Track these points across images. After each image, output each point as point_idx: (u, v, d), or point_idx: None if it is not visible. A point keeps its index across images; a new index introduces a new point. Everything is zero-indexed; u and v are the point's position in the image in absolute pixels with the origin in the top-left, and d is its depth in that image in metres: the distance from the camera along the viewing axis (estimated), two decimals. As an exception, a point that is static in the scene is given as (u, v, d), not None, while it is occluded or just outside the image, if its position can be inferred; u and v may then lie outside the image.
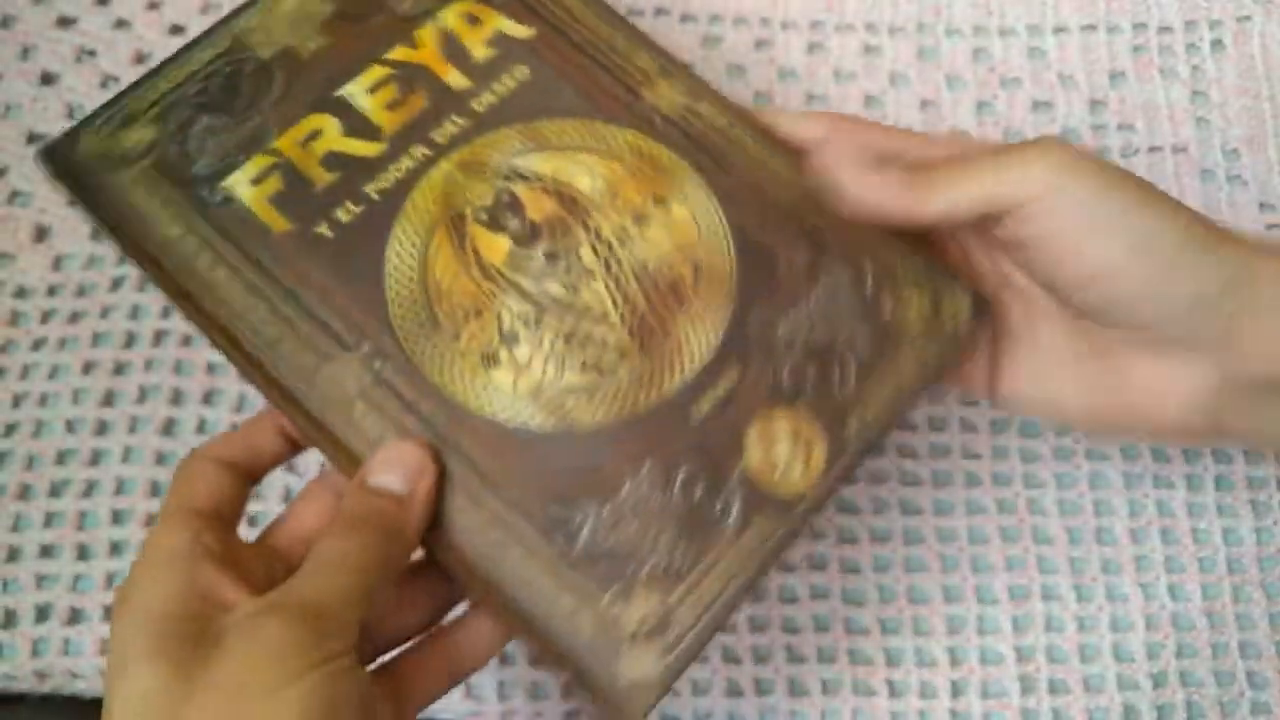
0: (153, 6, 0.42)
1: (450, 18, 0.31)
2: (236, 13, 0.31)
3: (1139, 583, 0.36)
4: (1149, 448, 0.37)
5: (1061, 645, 0.35)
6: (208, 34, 0.31)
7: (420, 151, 0.29)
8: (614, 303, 0.28)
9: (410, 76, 0.30)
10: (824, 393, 0.28)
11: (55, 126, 0.40)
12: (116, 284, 0.39)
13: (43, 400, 0.37)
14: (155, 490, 0.36)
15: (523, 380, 0.27)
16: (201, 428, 0.37)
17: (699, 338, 0.28)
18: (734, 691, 0.35)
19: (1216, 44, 0.42)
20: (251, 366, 0.27)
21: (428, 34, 0.31)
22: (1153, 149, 0.41)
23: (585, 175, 0.30)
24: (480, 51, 0.31)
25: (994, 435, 0.37)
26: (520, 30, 0.31)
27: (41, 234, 0.39)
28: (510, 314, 0.28)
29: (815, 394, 0.28)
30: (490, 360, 0.27)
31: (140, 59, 0.41)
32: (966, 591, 0.36)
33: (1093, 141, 0.41)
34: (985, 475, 0.37)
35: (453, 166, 0.29)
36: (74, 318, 0.38)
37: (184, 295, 0.27)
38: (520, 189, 0.29)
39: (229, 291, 0.27)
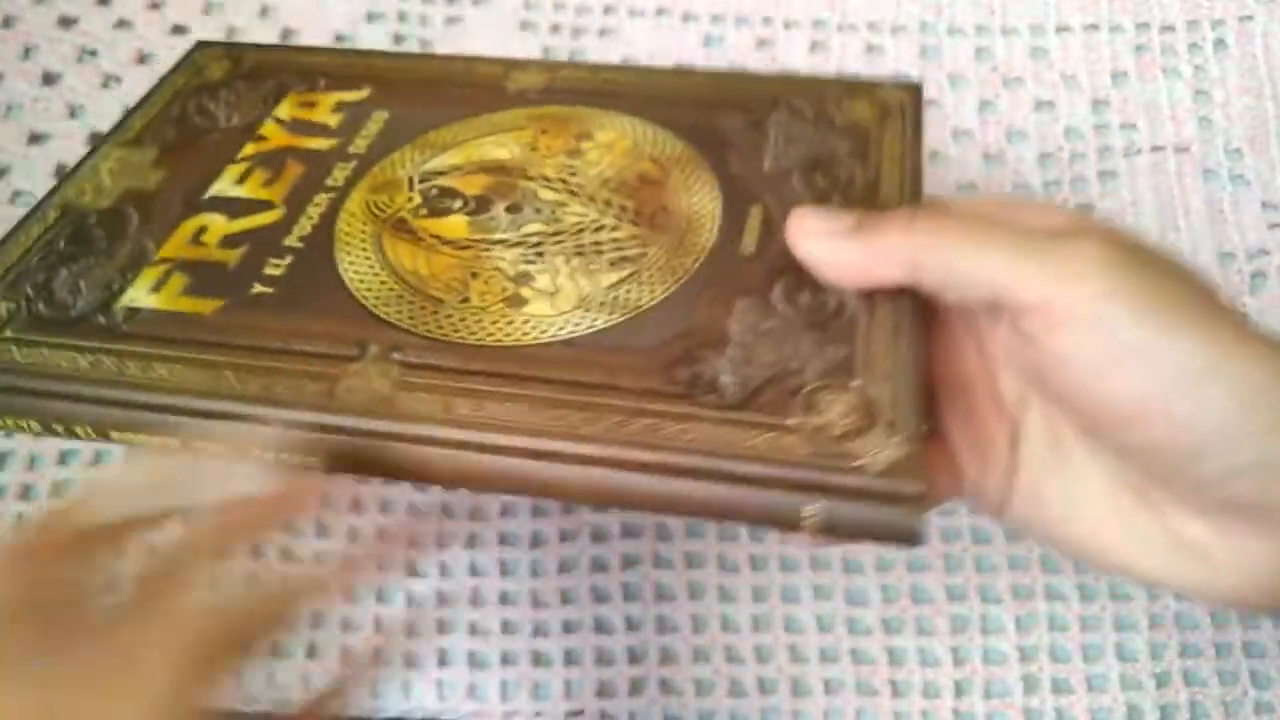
0: (154, 7, 0.42)
1: (285, 110, 0.33)
2: (51, 192, 0.31)
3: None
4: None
5: (1065, 645, 0.35)
6: (26, 218, 0.30)
7: (322, 198, 0.30)
8: (600, 210, 0.29)
9: (273, 157, 0.31)
10: (841, 186, 0.29)
11: (56, 126, 0.40)
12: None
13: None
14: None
15: (560, 299, 0.27)
16: (203, 428, 0.37)
17: (700, 196, 0.29)
18: (737, 691, 0.35)
19: (1219, 43, 0.42)
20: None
21: (270, 127, 0.32)
22: (1155, 148, 0.41)
23: (499, 149, 0.31)
24: (331, 119, 0.32)
25: (997, 435, 0.37)
26: (357, 94, 0.33)
27: (43, 234, 0.39)
28: (506, 261, 0.28)
29: (836, 190, 0.29)
30: (515, 301, 0.27)
31: (141, 59, 0.41)
32: (970, 591, 0.36)
33: (1095, 141, 0.41)
34: (988, 475, 0.37)
35: (364, 194, 0.30)
36: (75, 318, 0.38)
37: (144, 409, 0.25)
38: (444, 181, 0.30)
39: (184, 379, 0.25)
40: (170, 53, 0.41)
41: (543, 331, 0.26)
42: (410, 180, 0.30)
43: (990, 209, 0.25)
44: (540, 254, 0.28)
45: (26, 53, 0.41)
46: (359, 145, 0.31)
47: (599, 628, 0.36)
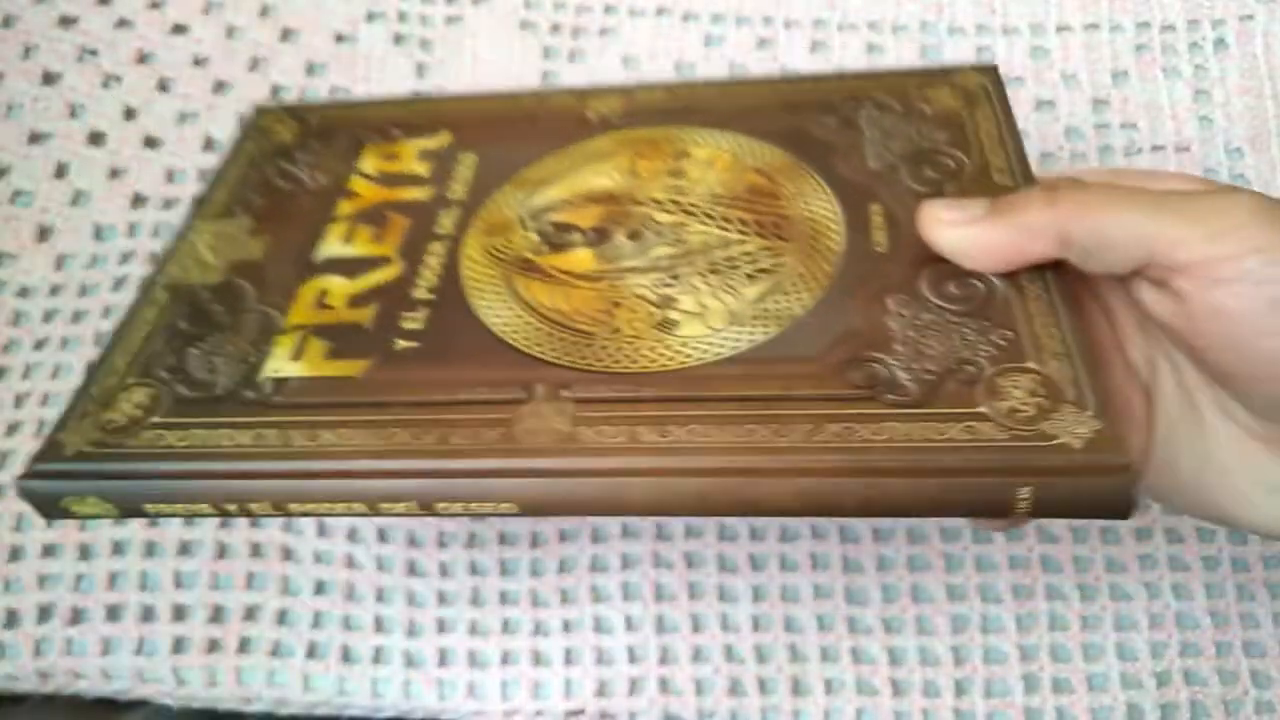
0: (154, 6, 0.42)
1: (369, 164, 0.33)
2: (153, 275, 0.30)
3: (1143, 581, 0.36)
4: (1152, 446, 0.37)
5: (1065, 644, 0.35)
6: (136, 304, 0.29)
7: (437, 247, 0.30)
8: (721, 227, 0.29)
9: (373, 213, 0.31)
10: (952, 174, 0.29)
11: (57, 126, 0.40)
12: (118, 284, 0.39)
13: (45, 400, 0.37)
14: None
15: (711, 318, 0.27)
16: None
17: (815, 201, 0.29)
18: (737, 691, 0.35)
19: (1219, 43, 0.42)
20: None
21: (360, 183, 0.32)
22: (1155, 148, 0.41)
23: (600, 178, 0.31)
24: (419, 167, 0.32)
25: (997, 434, 0.37)
26: (437, 140, 0.33)
27: (44, 234, 0.39)
28: (645, 287, 0.28)
29: (948, 179, 0.29)
30: (665, 325, 0.27)
31: (142, 58, 0.41)
32: (970, 590, 0.36)
33: (1096, 140, 0.41)
34: (988, 474, 0.37)
35: (479, 238, 0.30)
36: (76, 317, 0.38)
37: (320, 477, 0.25)
38: (556, 217, 0.30)
39: (355, 441, 0.25)
40: (170, 52, 0.41)
41: (704, 352, 0.26)
42: (522, 219, 0.30)
43: (1113, 177, 0.26)
44: (676, 276, 0.28)
45: (27, 52, 0.41)
46: (457, 190, 0.31)
47: (598, 627, 0.36)
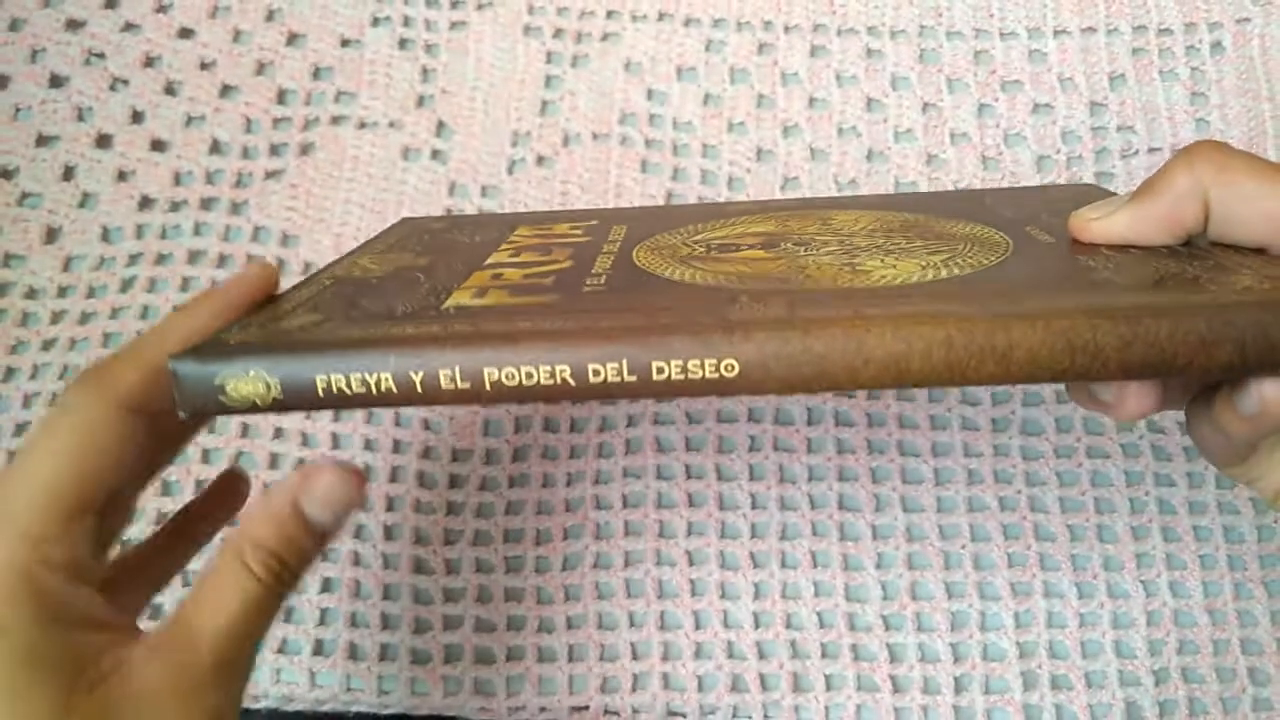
0: (161, 9, 0.42)
1: (525, 231, 0.33)
2: (309, 277, 0.30)
3: (1140, 580, 0.36)
4: (1149, 445, 0.37)
5: (1064, 641, 0.36)
6: (298, 286, 0.29)
7: (604, 256, 0.30)
8: (883, 230, 0.30)
9: (538, 247, 0.31)
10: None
11: (65, 129, 0.41)
12: (126, 285, 0.39)
13: (53, 400, 0.38)
14: (165, 489, 0.37)
15: (903, 271, 0.26)
16: (212, 427, 0.37)
17: (972, 227, 0.30)
18: (738, 687, 0.35)
19: (1216, 46, 0.42)
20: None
21: (522, 231, 0.33)
22: (1152, 150, 0.41)
23: (755, 227, 0.31)
24: (574, 234, 0.32)
25: (995, 434, 0.38)
26: (587, 221, 0.34)
27: (52, 235, 0.40)
28: (827, 261, 0.27)
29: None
30: (854, 271, 0.26)
31: (149, 62, 0.42)
32: (969, 588, 0.36)
33: (1092, 143, 0.41)
34: (987, 473, 0.37)
35: (645, 251, 0.30)
36: (84, 319, 0.39)
37: (518, 339, 0.23)
38: (719, 242, 0.30)
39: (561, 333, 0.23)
40: (177, 56, 0.42)
41: (925, 275, 0.25)
42: (686, 243, 0.30)
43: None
44: (854, 255, 0.28)
45: (34, 55, 0.42)
46: (613, 245, 0.31)
47: (601, 624, 0.36)
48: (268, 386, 0.23)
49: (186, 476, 0.37)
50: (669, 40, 0.42)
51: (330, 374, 0.23)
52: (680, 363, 0.22)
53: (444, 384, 0.23)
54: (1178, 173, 0.25)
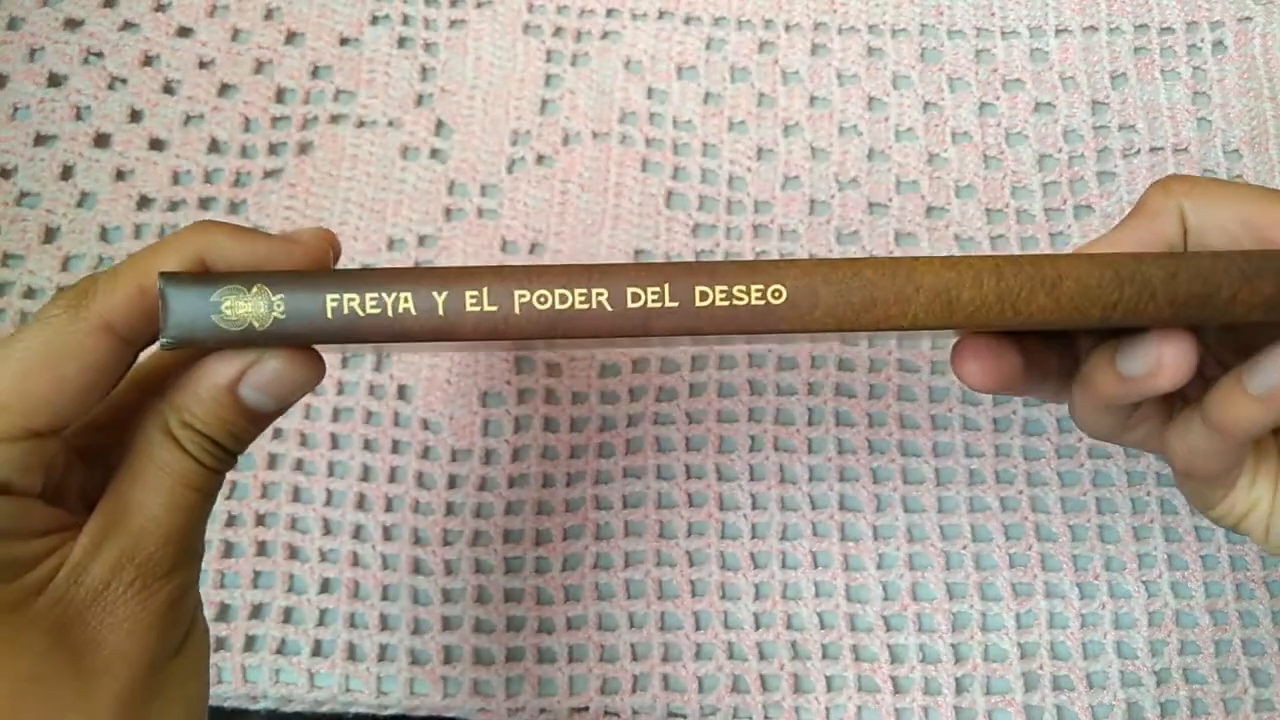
0: (160, 8, 0.42)
1: None
2: None
3: (1142, 580, 0.36)
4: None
5: (1065, 642, 0.36)
6: None
7: None
8: None
9: None
10: None
11: (63, 128, 0.40)
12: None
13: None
14: (163, 489, 0.36)
15: None
16: (209, 427, 0.37)
17: None
18: (739, 688, 0.35)
19: (1218, 45, 0.42)
20: None
21: None
22: (1154, 149, 0.41)
23: None
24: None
25: (997, 434, 0.38)
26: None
27: (50, 235, 0.40)
28: None
29: None
30: None
31: (148, 61, 0.42)
32: (970, 589, 0.36)
33: (1094, 142, 0.41)
34: (988, 473, 0.37)
35: None
36: (82, 318, 0.39)
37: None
38: None
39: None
40: (175, 55, 0.41)
41: None
42: None
43: None
44: None
45: (32, 54, 0.41)
46: None
47: (601, 624, 0.36)
48: (270, 305, 0.21)
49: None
50: (669, 39, 0.42)
51: (343, 293, 0.21)
52: (725, 288, 0.21)
53: (468, 305, 0.21)
54: (1154, 194, 0.26)
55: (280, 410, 0.23)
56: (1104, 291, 0.22)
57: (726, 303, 0.21)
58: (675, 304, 0.21)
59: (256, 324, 0.21)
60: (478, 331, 0.21)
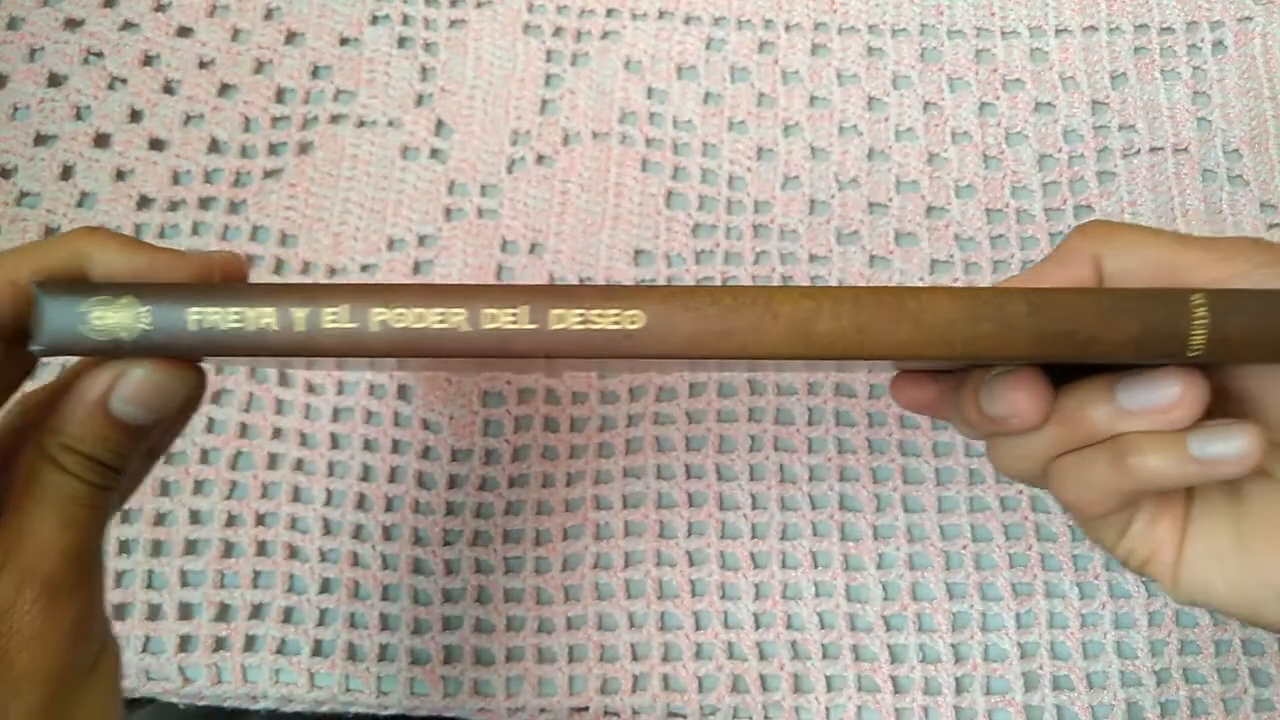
0: (160, 8, 0.42)
1: None
2: None
3: (1142, 580, 0.36)
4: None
5: (1065, 642, 0.36)
6: None
7: None
8: None
9: None
10: None
11: (63, 128, 0.40)
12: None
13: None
14: (164, 489, 0.36)
15: None
16: (210, 427, 0.37)
17: None
18: (739, 688, 0.35)
19: (1218, 45, 0.42)
20: None
21: None
22: (1154, 149, 0.41)
23: None
24: None
25: (997, 433, 0.38)
26: None
27: (50, 235, 0.40)
28: None
29: None
30: None
31: (147, 61, 0.42)
32: (970, 589, 0.36)
33: (1094, 142, 0.41)
34: (988, 473, 0.37)
35: None
36: (82, 318, 0.39)
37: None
38: None
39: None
40: (175, 55, 0.41)
41: None
42: None
43: None
44: None
45: (32, 54, 0.41)
46: None
47: (601, 624, 0.36)
48: (136, 317, 0.21)
49: (185, 476, 0.37)
50: (669, 38, 0.42)
51: (206, 307, 0.21)
52: (582, 311, 0.21)
53: (326, 322, 0.21)
54: (1072, 238, 0.26)
55: (158, 421, 0.23)
56: (964, 327, 0.22)
57: (583, 326, 0.21)
58: (532, 326, 0.21)
59: (124, 335, 0.21)
60: (337, 348, 0.22)
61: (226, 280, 0.24)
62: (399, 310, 0.21)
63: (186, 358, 0.22)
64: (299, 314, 0.21)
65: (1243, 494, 0.25)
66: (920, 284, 0.39)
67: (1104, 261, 0.25)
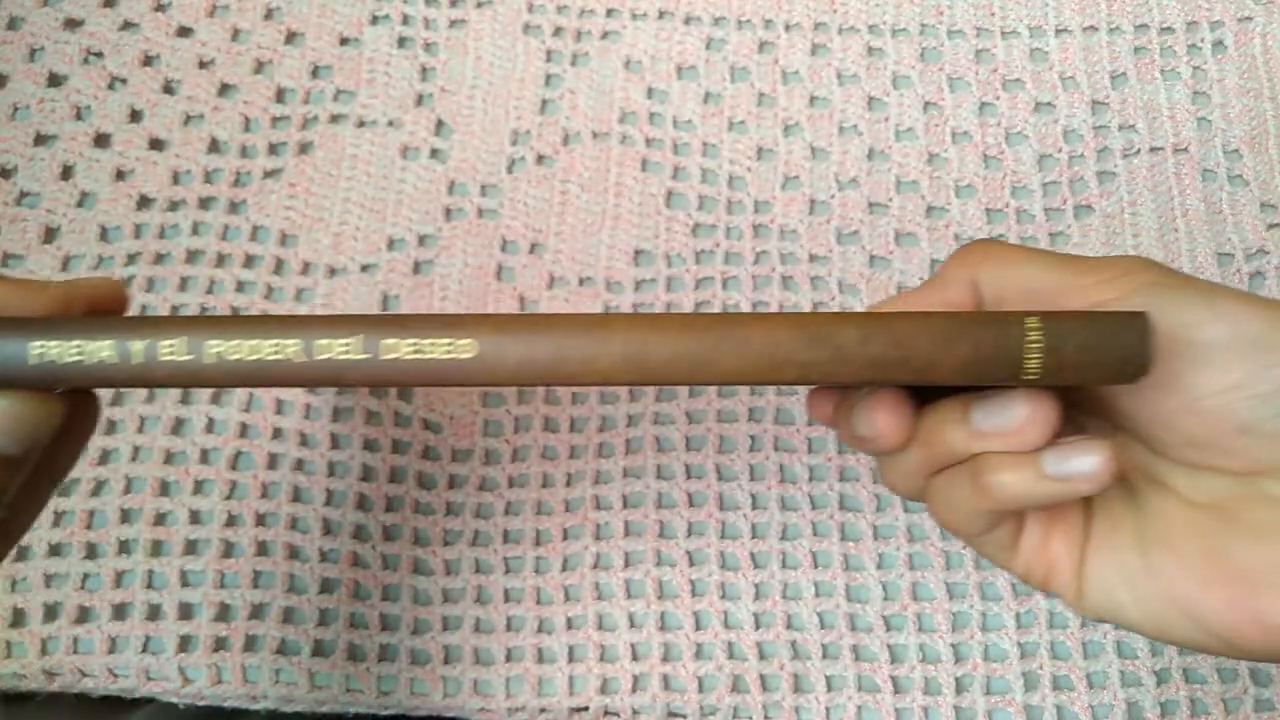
0: (160, 8, 0.42)
1: None
2: None
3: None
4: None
5: (1065, 642, 0.36)
6: None
7: None
8: None
9: None
10: None
11: (63, 128, 0.40)
12: (124, 284, 0.39)
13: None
14: (164, 489, 0.36)
15: None
16: (210, 427, 0.37)
17: None
18: (739, 688, 0.35)
19: (1218, 44, 0.42)
20: None
21: None
22: (1154, 149, 0.41)
23: None
24: None
25: (997, 433, 0.38)
26: None
27: (50, 235, 0.40)
28: None
29: None
30: None
31: (147, 61, 0.42)
32: (970, 589, 0.36)
33: (1094, 142, 0.41)
34: (989, 473, 0.37)
35: None
36: (82, 318, 0.39)
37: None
38: None
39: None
40: (175, 55, 0.41)
41: None
42: None
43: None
44: None
45: (32, 54, 0.41)
46: None
47: (601, 625, 0.36)
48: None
49: (185, 476, 0.37)
50: (669, 38, 0.42)
51: (47, 341, 0.22)
52: (414, 341, 0.22)
53: (163, 355, 0.22)
54: (950, 264, 0.26)
55: (28, 450, 0.23)
56: (796, 352, 0.22)
57: (415, 355, 0.22)
58: (365, 356, 0.22)
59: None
60: (173, 380, 0.22)
61: (102, 309, 0.24)
62: (234, 343, 0.22)
63: (24, 388, 0.22)
64: (136, 347, 0.22)
65: (1143, 507, 0.25)
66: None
67: (980, 286, 0.25)
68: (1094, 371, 0.22)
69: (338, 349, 0.22)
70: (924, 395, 0.25)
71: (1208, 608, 0.23)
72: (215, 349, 0.22)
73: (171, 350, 0.22)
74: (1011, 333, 0.21)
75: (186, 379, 0.22)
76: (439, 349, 0.22)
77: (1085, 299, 0.23)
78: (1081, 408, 0.26)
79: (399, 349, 0.22)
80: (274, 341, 0.22)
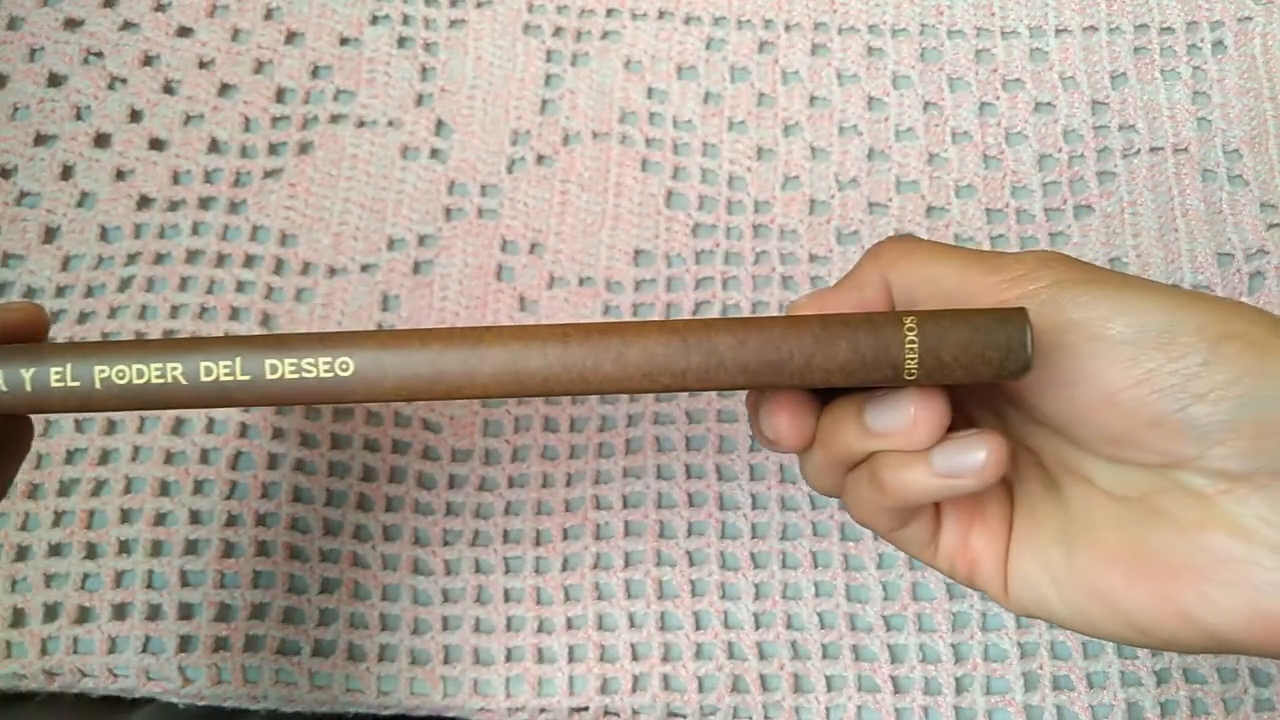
0: (160, 8, 0.42)
1: None
2: None
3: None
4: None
5: (1065, 642, 0.36)
6: None
7: None
8: None
9: None
10: None
11: (63, 128, 0.40)
12: (124, 284, 0.39)
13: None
14: (164, 489, 0.36)
15: None
16: (210, 428, 0.37)
17: None
18: (739, 688, 0.35)
19: (1218, 45, 0.42)
20: None
21: None
22: (1154, 149, 0.41)
23: None
24: None
25: (997, 433, 0.38)
26: None
27: (50, 235, 0.40)
28: None
29: None
30: None
31: (147, 61, 0.42)
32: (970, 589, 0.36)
33: (1094, 142, 0.41)
34: (989, 473, 0.37)
35: None
36: (82, 318, 0.39)
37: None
38: None
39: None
40: (175, 55, 0.41)
41: None
42: None
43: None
44: None
45: (32, 54, 0.41)
46: None
47: (601, 625, 0.36)
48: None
49: (185, 477, 0.36)
50: (669, 38, 0.42)
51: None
52: (295, 360, 0.22)
53: (53, 381, 0.22)
54: (864, 264, 0.25)
55: None
56: (671, 360, 0.22)
57: (296, 375, 0.22)
58: (247, 377, 0.22)
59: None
60: (65, 407, 0.22)
61: (22, 335, 0.24)
62: (118, 368, 0.22)
63: None
64: (26, 374, 0.22)
65: (1065, 501, 0.25)
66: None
67: (891, 286, 0.25)
68: (976, 369, 0.22)
69: (221, 371, 0.22)
70: (827, 396, 0.25)
71: (1130, 601, 0.23)
72: (102, 374, 0.22)
73: (60, 377, 0.22)
74: (888, 333, 0.22)
75: (79, 404, 0.22)
76: (320, 368, 0.22)
77: (994, 297, 0.23)
78: (1000, 402, 0.26)
79: (281, 369, 0.22)
80: (157, 365, 0.22)
